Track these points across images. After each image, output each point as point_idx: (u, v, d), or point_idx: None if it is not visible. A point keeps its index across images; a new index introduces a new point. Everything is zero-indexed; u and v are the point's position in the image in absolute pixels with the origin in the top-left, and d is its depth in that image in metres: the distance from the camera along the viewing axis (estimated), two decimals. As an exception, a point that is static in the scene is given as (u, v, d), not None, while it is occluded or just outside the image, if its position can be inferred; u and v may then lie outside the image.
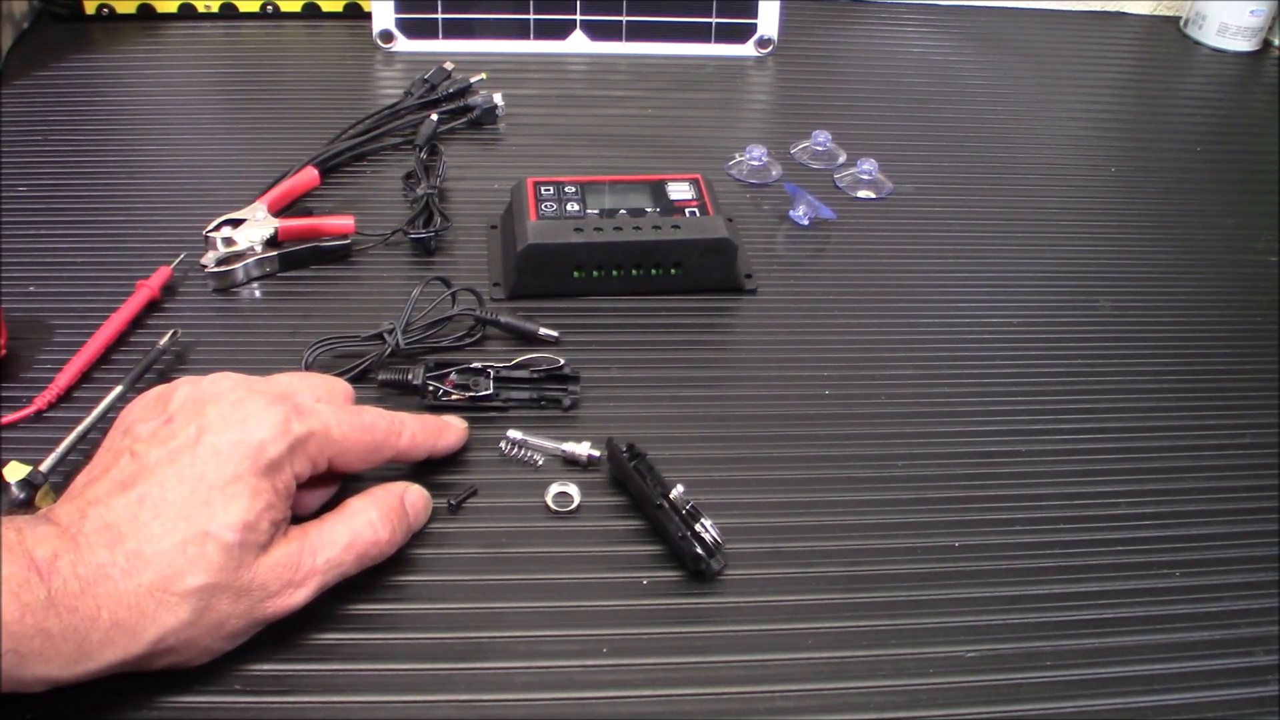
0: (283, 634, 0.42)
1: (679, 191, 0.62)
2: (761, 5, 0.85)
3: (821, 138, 0.74)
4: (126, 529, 0.38)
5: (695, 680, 0.42)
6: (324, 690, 0.40)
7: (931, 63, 0.89)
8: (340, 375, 0.52)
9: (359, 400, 0.47)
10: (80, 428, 0.47)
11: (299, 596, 0.40)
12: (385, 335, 0.54)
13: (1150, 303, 0.64)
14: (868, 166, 0.72)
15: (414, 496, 0.45)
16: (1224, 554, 0.49)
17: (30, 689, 0.37)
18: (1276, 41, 0.96)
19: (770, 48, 0.86)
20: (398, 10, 0.82)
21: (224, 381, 0.42)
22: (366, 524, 0.43)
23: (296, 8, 0.86)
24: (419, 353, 0.55)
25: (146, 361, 0.52)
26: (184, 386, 0.42)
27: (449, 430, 0.49)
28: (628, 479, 0.48)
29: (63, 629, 0.36)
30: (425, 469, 0.49)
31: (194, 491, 0.38)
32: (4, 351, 0.53)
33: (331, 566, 0.41)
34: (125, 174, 0.67)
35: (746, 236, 0.65)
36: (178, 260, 0.59)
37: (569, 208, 0.61)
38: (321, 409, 0.42)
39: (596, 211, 0.60)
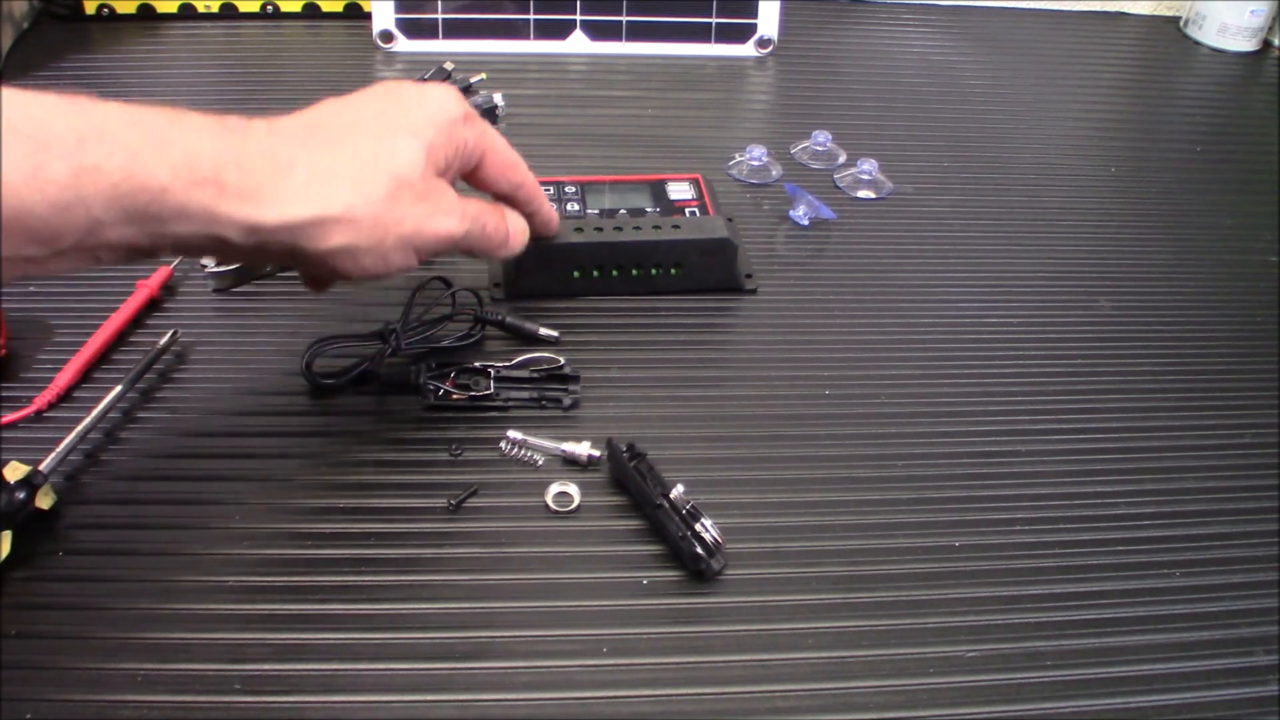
0: (283, 633, 0.42)
1: (679, 191, 0.62)
2: (761, 5, 0.85)
3: (821, 138, 0.74)
4: (326, 125, 0.43)
5: (695, 680, 0.42)
6: (324, 690, 0.40)
7: (931, 63, 0.89)
8: (340, 375, 0.52)
9: (353, 403, 0.47)
10: (80, 428, 0.47)
11: (456, 228, 0.46)
12: (385, 335, 0.54)
13: (1150, 303, 0.64)
14: (868, 166, 0.72)
15: (519, 227, 0.51)
16: (1224, 554, 0.49)
17: (228, 236, 0.39)
18: (1276, 41, 0.96)
19: (770, 48, 0.86)
20: (398, 10, 0.82)
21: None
22: (494, 214, 0.49)
23: (296, 8, 0.86)
24: (419, 353, 0.55)
25: (146, 361, 0.52)
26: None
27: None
28: (628, 479, 0.48)
29: (259, 165, 0.39)
30: (425, 468, 0.49)
31: (389, 115, 0.44)
32: (4, 351, 0.53)
33: (476, 220, 0.47)
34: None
35: (746, 236, 0.65)
36: (178, 260, 0.59)
37: (569, 207, 0.61)
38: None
39: (597, 211, 0.60)
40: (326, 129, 0.43)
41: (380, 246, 0.43)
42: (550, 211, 0.55)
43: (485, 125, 0.49)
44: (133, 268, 0.58)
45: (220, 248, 0.40)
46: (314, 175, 0.41)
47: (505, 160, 0.50)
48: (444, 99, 0.46)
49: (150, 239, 0.38)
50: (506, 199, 0.52)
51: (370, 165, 0.42)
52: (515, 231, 0.51)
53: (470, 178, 0.50)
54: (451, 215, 0.46)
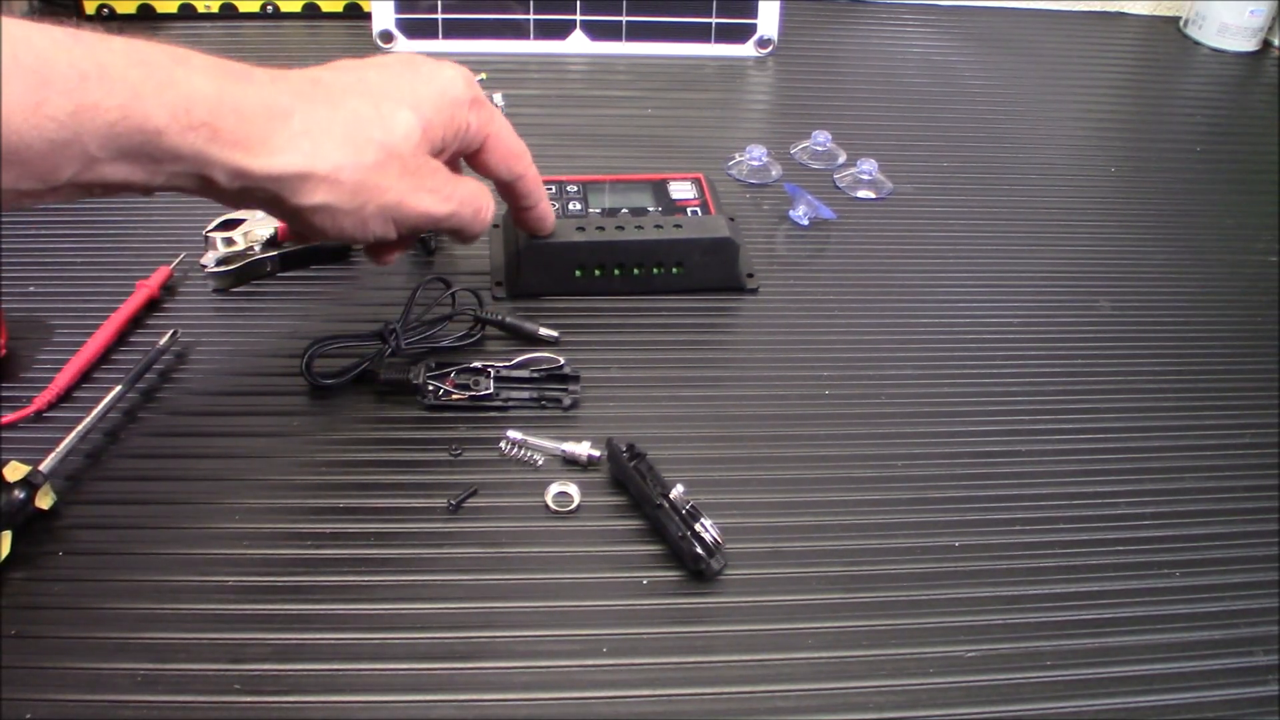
0: (283, 633, 0.42)
1: (681, 191, 0.62)
2: (761, 5, 0.85)
3: (821, 138, 0.74)
4: (329, 83, 0.43)
5: (695, 680, 0.42)
6: (324, 690, 0.40)
7: (931, 63, 0.89)
8: (340, 375, 0.52)
9: (353, 403, 0.47)
10: (80, 428, 0.47)
11: (439, 208, 0.46)
12: (385, 335, 0.54)
13: (1150, 303, 0.64)
14: (868, 166, 0.72)
15: (490, 209, 0.50)
16: (1224, 554, 0.49)
17: (216, 179, 0.39)
18: (1276, 41, 0.96)
19: (770, 48, 0.86)
20: (398, 10, 0.82)
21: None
22: (486, 193, 0.49)
23: (296, 8, 0.86)
24: (419, 353, 0.55)
25: (146, 361, 0.52)
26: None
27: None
28: (628, 479, 0.48)
29: (256, 113, 0.39)
30: (425, 468, 0.49)
31: (393, 84, 0.44)
32: (4, 351, 0.53)
33: (463, 203, 0.47)
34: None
35: (746, 236, 0.65)
36: (178, 260, 0.59)
37: (571, 207, 0.61)
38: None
39: (598, 210, 0.60)
40: (329, 86, 0.43)
41: (360, 211, 0.43)
42: (548, 209, 0.55)
43: (493, 112, 0.49)
44: (133, 268, 0.58)
45: (208, 188, 0.41)
46: (307, 129, 0.41)
47: (509, 149, 0.50)
48: (453, 79, 0.46)
49: (144, 176, 0.39)
50: (504, 188, 0.53)
51: (364, 129, 0.42)
52: (486, 220, 0.50)
53: (471, 161, 0.50)
54: (437, 194, 0.46)
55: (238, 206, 0.43)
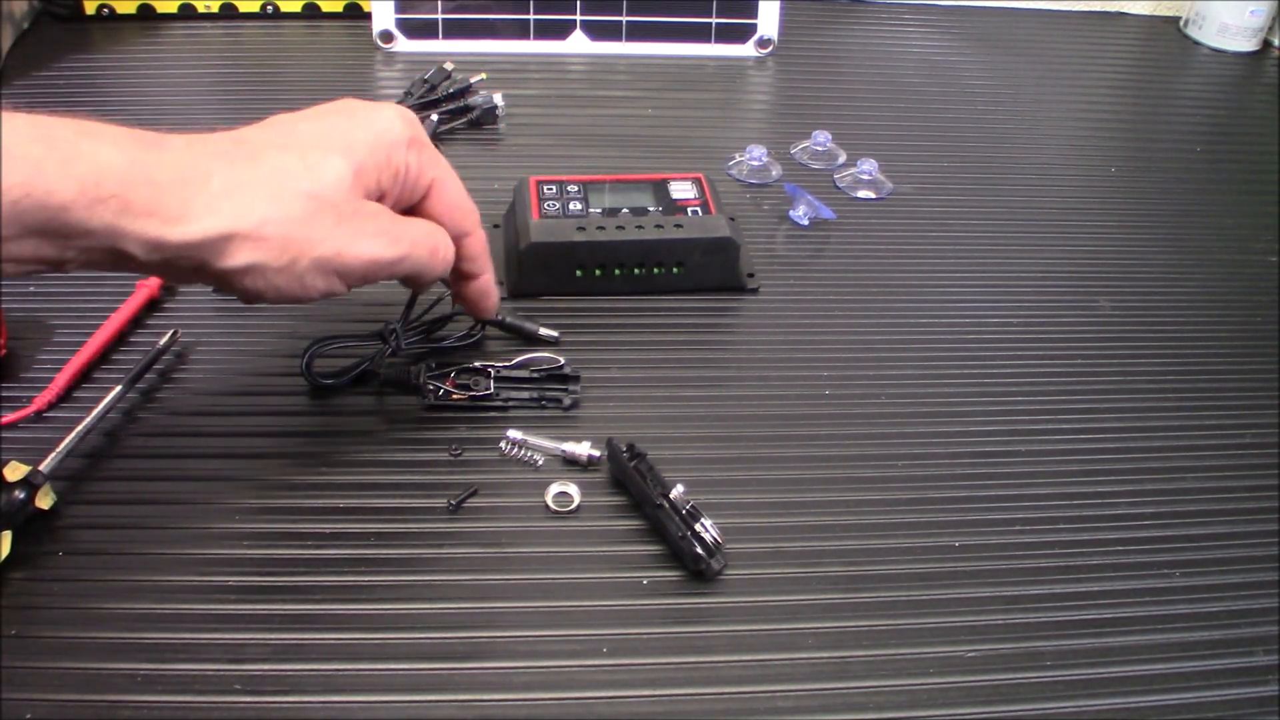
0: (283, 633, 0.42)
1: (681, 190, 0.62)
2: (761, 5, 0.85)
3: (821, 138, 0.74)
4: (253, 140, 0.41)
5: (695, 680, 0.42)
6: (324, 690, 0.40)
7: (931, 63, 0.89)
8: (340, 375, 0.52)
9: (353, 403, 0.47)
10: (80, 428, 0.47)
11: (386, 251, 0.43)
12: (385, 335, 0.54)
13: (1150, 303, 0.64)
14: (868, 166, 0.72)
15: (450, 249, 0.47)
16: (1224, 554, 0.49)
17: (132, 253, 0.38)
18: (1276, 41, 0.96)
19: (770, 48, 0.86)
20: (398, 10, 0.82)
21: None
22: (442, 232, 0.46)
23: (296, 8, 0.86)
24: (419, 353, 0.55)
25: (146, 361, 0.52)
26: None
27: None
28: (628, 479, 0.48)
29: (170, 180, 0.38)
30: (425, 468, 0.49)
31: (324, 133, 0.42)
32: (4, 351, 0.53)
33: (415, 245, 0.44)
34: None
35: (747, 236, 0.65)
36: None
37: (571, 206, 0.61)
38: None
39: (599, 210, 0.60)
40: (252, 144, 0.41)
41: (293, 267, 0.41)
42: (491, 286, 0.51)
43: (436, 156, 0.46)
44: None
45: (126, 263, 0.39)
46: (227, 190, 0.39)
47: (453, 200, 0.47)
48: (390, 120, 0.44)
49: (53, 252, 0.37)
50: None
51: (289, 181, 0.40)
52: (447, 260, 0.47)
53: (416, 212, 0.47)
54: (381, 238, 0.43)
55: (161, 277, 0.42)
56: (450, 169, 0.47)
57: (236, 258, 0.39)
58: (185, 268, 0.40)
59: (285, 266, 0.40)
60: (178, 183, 0.38)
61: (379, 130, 0.43)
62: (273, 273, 0.40)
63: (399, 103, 0.74)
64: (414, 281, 0.47)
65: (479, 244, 0.49)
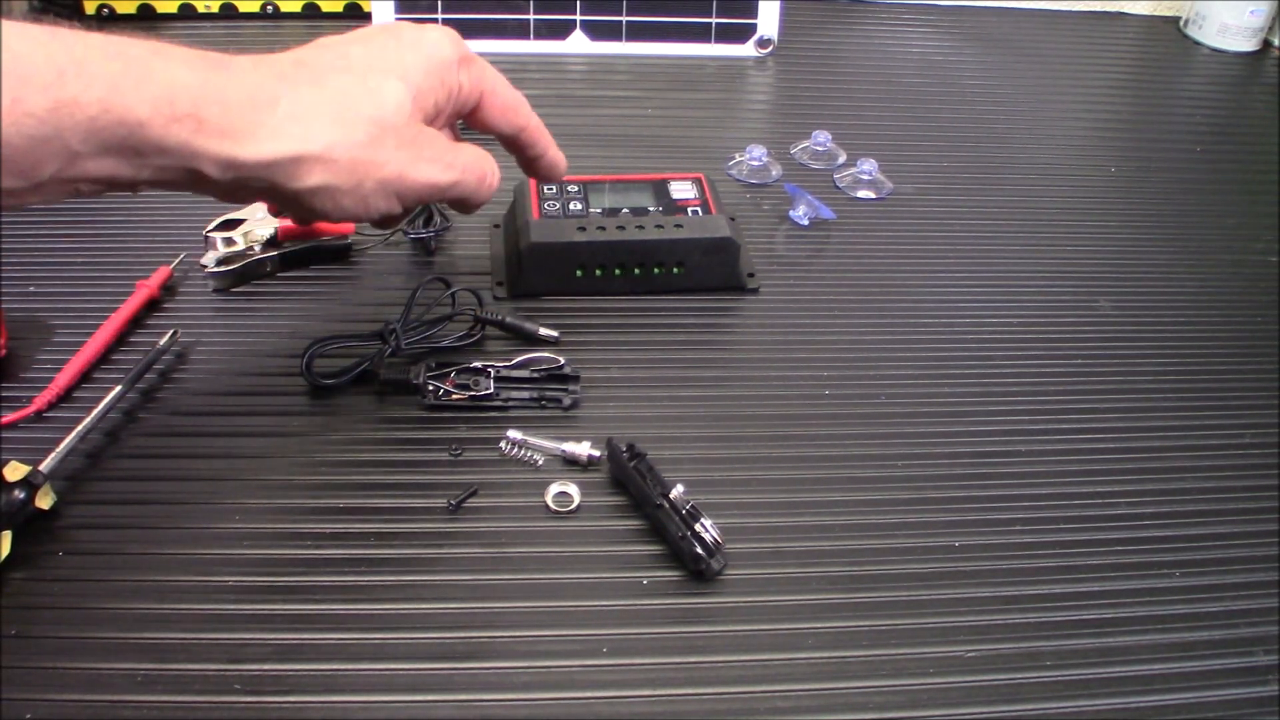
0: (283, 633, 0.42)
1: (681, 190, 0.62)
2: (761, 5, 0.85)
3: (821, 138, 0.74)
4: (312, 62, 0.42)
5: (695, 680, 0.42)
6: (324, 690, 0.40)
7: (931, 63, 0.89)
8: (340, 375, 0.52)
9: (353, 403, 0.47)
10: (80, 428, 0.47)
11: (441, 176, 0.45)
12: (385, 335, 0.54)
13: (1150, 303, 0.64)
14: (868, 166, 0.72)
15: (495, 175, 0.49)
16: (1224, 554, 0.49)
17: (206, 171, 0.39)
18: (1276, 41, 0.96)
19: (770, 48, 0.86)
20: (397, 10, 0.82)
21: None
22: (489, 158, 0.48)
23: (296, 8, 0.86)
24: (419, 353, 0.55)
25: (146, 361, 0.52)
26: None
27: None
28: (628, 479, 0.48)
29: (241, 100, 0.39)
30: (425, 468, 0.49)
31: (378, 56, 0.43)
32: (4, 351, 0.53)
33: (466, 171, 0.46)
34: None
35: (747, 236, 0.65)
36: (178, 260, 0.59)
37: (572, 207, 0.61)
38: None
39: (599, 210, 0.61)
40: (313, 66, 0.42)
41: (359, 189, 0.42)
42: (558, 156, 0.53)
43: (484, 67, 0.48)
44: (133, 268, 0.58)
45: (198, 182, 0.40)
46: (295, 112, 0.40)
47: (505, 102, 0.49)
48: (439, 41, 0.45)
49: (129, 171, 0.38)
50: (508, 142, 0.51)
51: (353, 106, 0.42)
52: (491, 187, 0.49)
53: (469, 119, 0.49)
54: (437, 163, 0.45)
55: (233, 200, 0.43)
56: (498, 75, 0.49)
57: (307, 179, 0.41)
58: (256, 188, 0.41)
59: (352, 188, 0.42)
60: (248, 103, 0.39)
61: (429, 52, 0.45)
62: (340, 193, 0.42)
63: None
64: (462, 205, 0.49)
65: (535, 130, 0.51)
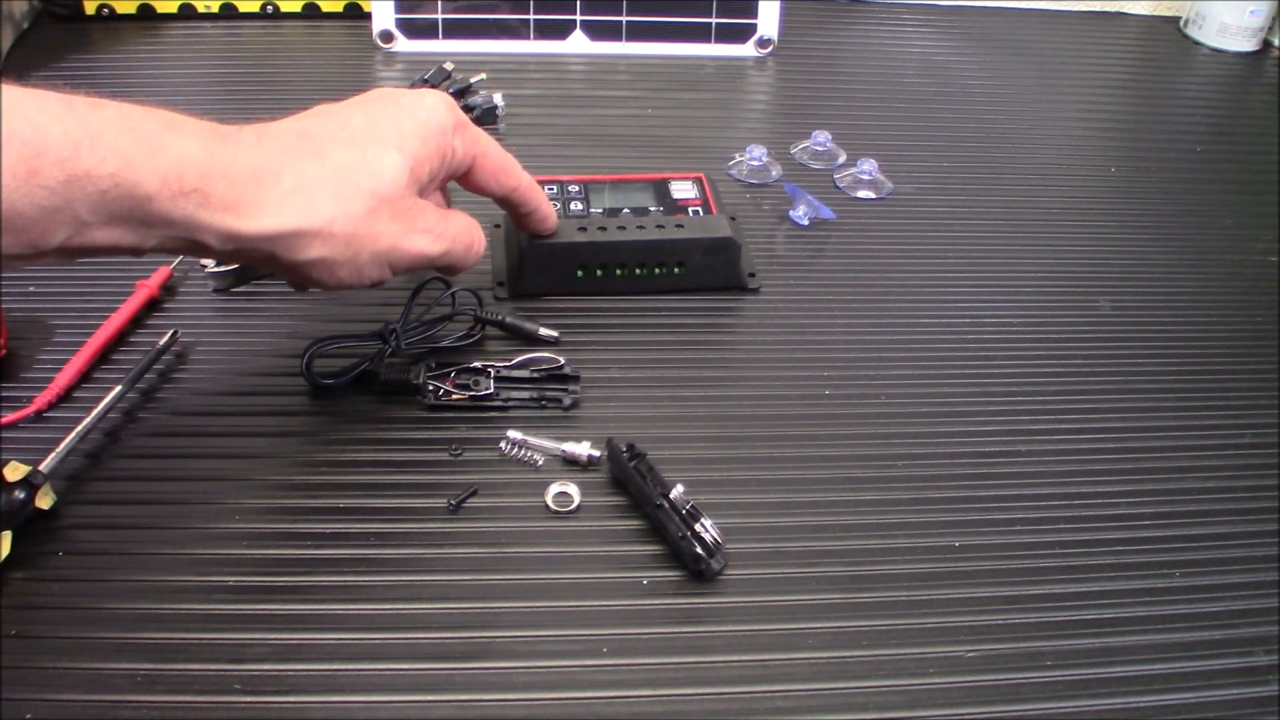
0: (283, 633, 0.42)
1: (682, 190, 0.62)
2: (761, 5, 0.85)
3: (821, 138, 0.74)
4: (315, 133, 0.43)
5: (695, 680, 0.42)
6: (324, 690, 0.40)
7: (931, 63, 0.89)
8: (340, 375, 0.52)
9: (353, 403, 0.47)
10: (80, 428, 0.47)
11: (432, 247, 0.47)
12: (385, 335, 0.54)
13: (1150, 303, 0.64)
14: (868, 166, 0.72)
15: (480, 243, 0.51)
16: (1224, 554, 0.49)
17: (208, 243, 0.40)
18: (1276, 41, 0.96)
19: (770, 48, 0.86)
20: (398, 10, 0.82)
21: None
22: (477, 226, 0.50)
23: (296, 8, 0.86)
24: (419, 353, 0.55)
25: (146, 361, 0.52)
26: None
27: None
28: (628, 479, 0.48)
29: (246, 175, 0.40)
30: (425, 468, 0.49)
31: (378, 125, 0.45)
32: (4, 351, 0.53)
33: (455, 240, 0.48)
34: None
35: (747, 236, 0.65)
36: (178, 260, 0.59)
37: (573, 206, 0.61)
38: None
39: (600, 210, 0.61)
40: (315, 137, 0.43)
41: (355, 260, 0.44)
42: (548, 210, 0.55)
43: (477, 133, 0.49)
44: (133, 268, 0.58)
45: (200, 250, 0.42)
46: (297, 186, 0.41)
47: (498, 165, 0.50)
48: (434, 108, 0.46)
49: (134, 239, 0.39)
50: (502, 202, 0.53)
51: (353, 179, 0.43)
52: (478, 253, 0.51)
53: (463, 182, 0.51)
54: (429, 234, 0.46)
55: (234, 263, 0.44)
56: (490, 139, 0.50)
57: (307, 252, 0.42)
58: (256, 256, 0.42)
59: (348, 260, 0.44)
60: (252, 177, 0.40)
61: (425, 119, 0.46)
62: (337, 265, 0.43)
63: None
64: (449, 270, 0.51)
65: (527, 188, 0.53)
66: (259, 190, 0.41)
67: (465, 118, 0.48)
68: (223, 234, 0.40)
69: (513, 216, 0.56)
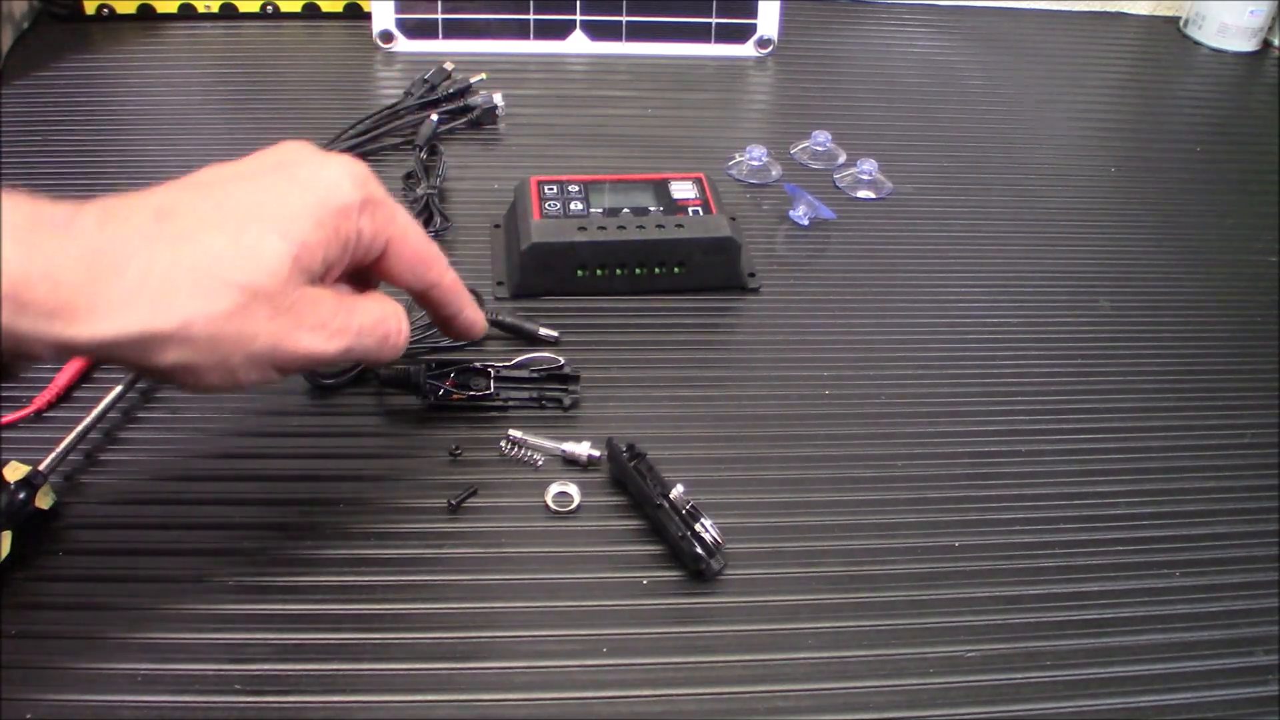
0: (283, 633, 0.42)
1: (682, 190, 0.62)
2: (761, 5, 0.85)
3: (821, 138, 0.74)
4: (181, 212, 0.36)
5: (695, 680, 0.42)
6: (324, 690, 0.40)
7: (931, 63, 0.89)
8: (340, 375, 0.52)
9: (353, 403, 0.47)
10: (80, 428, 0.47)
11: (326, 346, 0.38)
12: (385, 335, 0.54)
13: (1150, 303, 0.64)
14: (868, 166, 0.72)
15: (406, 326, 0.43)
16: (1224, 554, 0.49)
17: (37, 354, 0.34)
18: (1276, 41, 0.96)
19: (770, 48, 0.86)
20: (398, 10, 0.82)
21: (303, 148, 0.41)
22: (395, 314, 0.42)
23: (296, 8, 0.86)
24: (419, 353, 0.55)
25: (146, 361, 0.52)
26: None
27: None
28: (628, 479, 0.48)
29: (76, 272, 0.33)
30: (425, 468, 0.49)
31: (263, 201, 0.37)
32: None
33: (361, 335, 0.40)
34: (125, 174, 0.67)
35: (747, 236, 0.65)
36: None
37: (573, 206, 0.61)
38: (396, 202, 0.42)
39: (600, 210, 0.61)
40: (180, 217, 0.36)
41: (225, 364, 0.36)
42: (476, 314, 0.47)
43: (393, 211, 0.41)
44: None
45: (36, 361, 0.35)
46: (147, 281, 0.34)
47: (415, 254, 0.42)
48: (337, 183, 0.39)
49: None
50: (420, 298, 0.45)
51: (219, 270, 0.35)
52: (403, 339, 0.43)
53: (374, 270, 0.42)
54: (321, 331, 0.38)
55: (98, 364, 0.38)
56: (409, 220, 0.42)
57: (161, 357, 0.35)
58: (107, 360, 0.37)
59: (216, 364, 0.36)
60: (84, 276, 0.33)
61: (323, 196, 0.38)
62: (203, 370, 0.36)
63: (398, 104, 0.74)
64: (367, 363, 0.44)
65: (449, 289, 0.45)
66: (94, 289, 0.33)
67: (381, 193, 0.40)
68: (51, 344, 0.33)
69: (433, 318, 0.47)
